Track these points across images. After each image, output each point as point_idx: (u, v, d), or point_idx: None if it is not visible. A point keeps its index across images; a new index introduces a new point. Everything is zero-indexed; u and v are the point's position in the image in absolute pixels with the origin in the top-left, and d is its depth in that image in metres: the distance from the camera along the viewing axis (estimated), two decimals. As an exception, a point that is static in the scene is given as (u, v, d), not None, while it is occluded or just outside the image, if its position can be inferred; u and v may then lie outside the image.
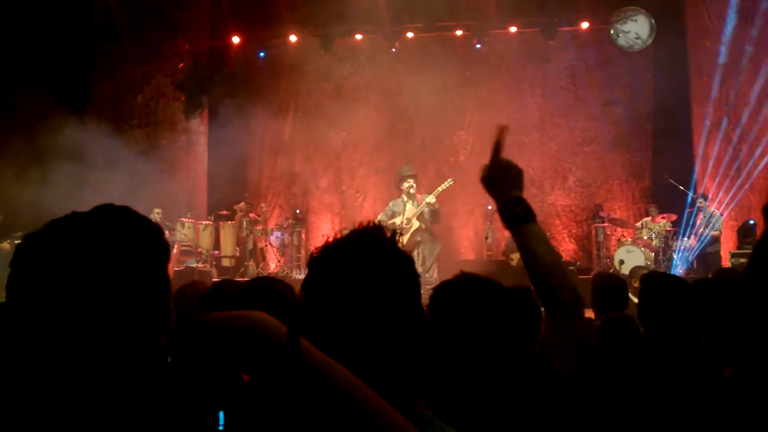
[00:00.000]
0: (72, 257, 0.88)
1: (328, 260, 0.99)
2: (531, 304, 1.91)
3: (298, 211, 12.00)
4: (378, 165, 12.26)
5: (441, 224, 9.03)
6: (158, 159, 10.36)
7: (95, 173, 9.22)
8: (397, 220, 8.47)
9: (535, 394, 1.26)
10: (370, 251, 0.99)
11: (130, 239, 0.93)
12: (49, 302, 0.85)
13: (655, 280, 2.75)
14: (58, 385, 0.83)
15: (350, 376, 0.75)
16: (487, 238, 10.88)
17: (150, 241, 0.95)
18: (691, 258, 9.80)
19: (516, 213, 1.38)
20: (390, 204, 8.81)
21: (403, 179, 8.61)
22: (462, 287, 1.37)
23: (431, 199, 8.41)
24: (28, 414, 0.82)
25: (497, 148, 1.44)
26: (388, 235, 1.04)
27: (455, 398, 1.25)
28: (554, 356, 1.27)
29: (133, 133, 10.20)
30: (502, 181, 1.42)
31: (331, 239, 1.04)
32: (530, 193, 11.47)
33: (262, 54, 12.24)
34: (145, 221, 1.00)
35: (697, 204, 9.70)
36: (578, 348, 1.29)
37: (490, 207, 10.00)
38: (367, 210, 12.20)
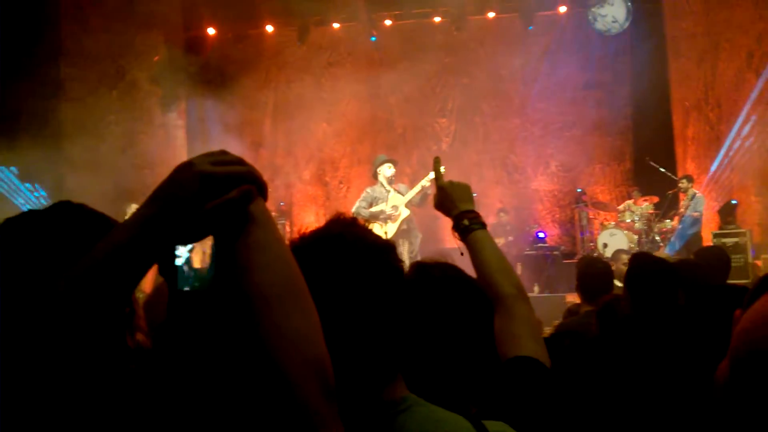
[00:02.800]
0: (28, 255, 0.86)
1: (303, 250, 1.00)
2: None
3: (282, 204, 11.94)
4: (360, 155, 12.21)
5: (425, 213, 8.88)
6: (136, 155, 10.22)
7: (72, 170, 9.08)
8: (383, 207, 7.92)
9: (509, 375, 1.29)
10: (343, 242, 1.01)
11: (88, 236, 0.89)
12: (7, 299, 0.81)
13: (642, 260, 2.74)
14: (18, 384, 0.79)
15: (284, 250, 0.81)
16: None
17: None
18: (673, 239, 9.89)
19: (462, 225, 1.57)
20: (368, 190, 8.17)
21: (383, 164, 8.02)
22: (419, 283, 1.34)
23: (426, 182, 7.75)
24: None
25: (436, 176, 1.71)
26: (362, 224, 1.06)
27: (437, 383, 1.25)
28: (510, 343, 1.34)
29: (110, 129, 10.04)
30: (448, 201, 1.63)
31: (308, 230, 1.07)
32: (513, 179, 11.74)
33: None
34: (104, 218, 0.98)
35: (679, 185, 9.76)
36: (532, 332, 1.39)
37: (475, 194, 9.95)
38: (352, 201, 12.11)
